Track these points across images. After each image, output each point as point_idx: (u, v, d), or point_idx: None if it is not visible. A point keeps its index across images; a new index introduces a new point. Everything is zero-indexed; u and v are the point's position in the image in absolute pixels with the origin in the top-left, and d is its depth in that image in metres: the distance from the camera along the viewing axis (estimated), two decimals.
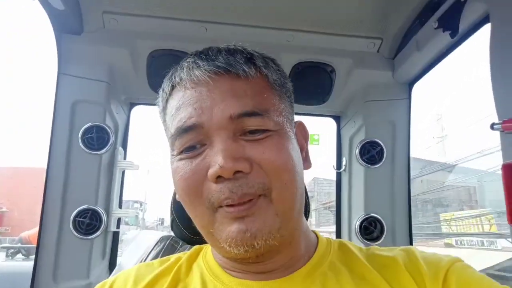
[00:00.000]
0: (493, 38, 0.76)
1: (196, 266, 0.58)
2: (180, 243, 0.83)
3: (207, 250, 0.60)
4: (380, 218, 1.19)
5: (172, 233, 0.86)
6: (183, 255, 0.60)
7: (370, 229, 1.19)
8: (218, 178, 0.47)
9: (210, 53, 0.53)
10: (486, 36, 0.79)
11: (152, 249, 0.82)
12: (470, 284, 0.49)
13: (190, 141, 0.50)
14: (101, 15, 1.06)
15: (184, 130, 0.50)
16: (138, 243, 1.00)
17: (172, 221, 0.83)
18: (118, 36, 1.10)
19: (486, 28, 0.81)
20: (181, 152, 0.51)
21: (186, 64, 0.52)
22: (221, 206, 0.48)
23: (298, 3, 1.06)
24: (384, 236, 1.18)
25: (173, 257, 0.61)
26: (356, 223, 1.21)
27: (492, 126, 0.72)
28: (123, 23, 1.08)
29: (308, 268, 0.54)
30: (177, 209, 0.82)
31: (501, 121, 0.71)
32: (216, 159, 0.47)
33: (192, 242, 0.81)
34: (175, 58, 1.14)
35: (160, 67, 1.16)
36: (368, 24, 1.13)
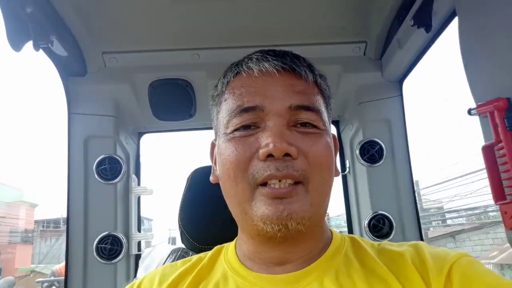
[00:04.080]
0: (461, 29, 0.80)
1: (218, 264, 0.62)
2: (190, 253, 0.89)
3: (228, 248, 0.64)
4: (387, 214, 1.21)
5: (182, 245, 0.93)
6: (204, 255, 0.65)
7: (379, 226, 1.22)
8: (268, 157, 0.52)
9: (278, 52, 0.60)
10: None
11: (165, 261, 0.88)
12: (474, 278, 0.50)
13: (248, 120, 0.55)
14: (101, 56, 1.16)
15: (245, 110, 0.55)
16: (152, 257, 1.06)
17: (181, 234, 0.90)
18: (119, 72, 1.19)
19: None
20: (235, 130, 0.56)
21: (256, 56, 0.59)
22: (262, 185, 0.52)
23: (281, 19, 1.13)
24: (394, 232, 1.20)
25: (194, 257, 0.66)
26: (365, 222, 1.24)
27: (469, 112, 0.76)
28: (122, 60, 1.18)
29: (322, 261, 0.57)
30: (184, 222, 0.90)
31: (476, 106, 0.74)
32: (270, 139, 0.52)
33: (201, 251, 0.87)
34: (174, 85, 1.22)
35: (161, 95, 1.25)
36: (351, 29, 1.18)
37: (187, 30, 1.14)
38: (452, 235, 13.18)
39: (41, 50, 1.03)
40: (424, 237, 1.26)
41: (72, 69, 1.17)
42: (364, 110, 1.26)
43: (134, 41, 1.16)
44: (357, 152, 1.25)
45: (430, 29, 0.95)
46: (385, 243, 0.63)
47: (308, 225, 0.52)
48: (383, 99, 1.26)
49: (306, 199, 0.52)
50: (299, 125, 0.55)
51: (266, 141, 0.52)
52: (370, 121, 1.26)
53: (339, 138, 1.44)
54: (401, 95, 1.26)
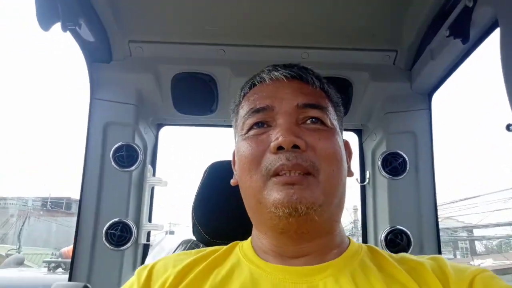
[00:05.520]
0: (503, 41, 0.76)
1: (233, 255, 0.64)
2: (200, 246, 0.88)
3: (243, 243, 0.66)
4: (406, 230, 1.17)
5: (193, 237, 0.92)
6: (219, 248, 0.66)
7: (396, 242, 1.17)
8: (278, 149, 0.55)
9: (287, 64, 0.67)
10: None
11: (174, 252, 0.87)
12: None
13: (259, 119, 0.61)
14: (127, 44, 1.16)
15: (256, 110, 0.61)
16: (162, 247, 1.06)
17: (194, 225, 0.88)
18: (143, 62, 1.19)
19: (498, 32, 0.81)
20: (249, 129, 0.61)
21: (267, 68, 0.66)
22: (274, 176, 0.55)
23: (311, 20, 1.10)
24: (411, 248, 1.16)
25: (209, 248, 0.67)
26: (381, 236, 1.20)
27: (508, 128, 0.71)
28: (148, 50, 1.18)
29: (339, 261, 0.58)
30: (198, 214, 0.89)
31: None
32: (280, 133, 0.56)
33: (210, 245, 0.85)
34: (197, 79, 1.21)
35: (184, 89, 1.24)
36: (382, 37, 1.15)
37: (215, 25, 1.13)
38: None
39: (69, 35, 1.04)
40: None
41: (98, 55, 1.17)
42: (389, 121, 1.22)
43: (160, 32, 1.16)
44: (379, 163, 1.21)
45: (467, 40, 0.91)
46: (403, 254, 0.63)
47: (319, 213, 0.54)
48: (410, 111, 1.21)
49: (317, 188, 0.55)
50: (308, 122, 0.60)
51: (276, 135, 0.56)
52: (395, 133, 1.22)
53: (361, 148, 1.40)
54: (430, 108, 1.21)
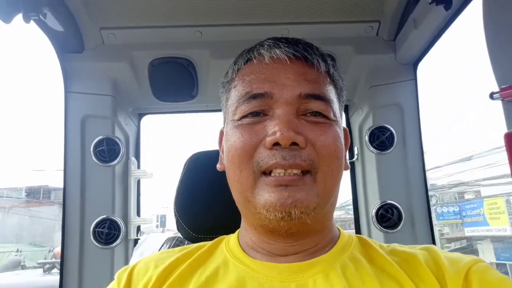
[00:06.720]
0: (486, 6, 0.73)
1: (219, 252, 0.60)
2: (186, 243, 0.85)
3: (229, 238, 0.63)
4: (396, 204, 1.17)
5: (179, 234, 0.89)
6: (204, 244, 0.63)
7: (387, 217, 1.17)
8: (274, 146, 0.50)
9: (290, 40, 0.58)
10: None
11: (160, 249, 0.84)
12: (494, 283, 0.49)
13: (256, 107, 0.54)
14: (99, 32, 1.10)
15: (253, 96, 0.54)
16: (147, 244, 1.03)
17: (177, 222, 0.85)
18: (117, 50, 1.13)
19: None
20: (243, 117, 0.55)
21: (268, 43, 0.57)
22: (265, 174, 0.51)
23: None
24: (402, 222, 1.16)
25: (194, 245, 0.63)
26: (372, 212, 1.19)
27: (491, 96, 0.70)
28: (121, 37, 1.12)
29: (329, 256, 0.55)
30: (180, 210, 0.85)
31: (500, 90, 0.68)
32: (277, 127, 0.50)
33: (196, 241, 0.83)
34: (175, 64, 1.16)
35: (162, 75, 1.19)
36: (364, 7, 1.11)
37: (189, 5, 1.07)
38: None
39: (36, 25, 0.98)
40: None
41: (69, 45, 1.11)
42: (375, 94, 1.20)
43: (133, 16, 1.09)
44: (366, 138, 1.20)
45: (450, 6, 0.89)
46: (395, 244, 0.61)
47: (312, 216, 0.50)
48: (395, 83, 1.19)
49: (313, 189, 0.51)
50: (308, 114, 0.54)
51: (273, 129, 0.51)
52: (381, 106, 1.20)
53: (348, 123, 1.38)
54: (415, 79, 1.19)
